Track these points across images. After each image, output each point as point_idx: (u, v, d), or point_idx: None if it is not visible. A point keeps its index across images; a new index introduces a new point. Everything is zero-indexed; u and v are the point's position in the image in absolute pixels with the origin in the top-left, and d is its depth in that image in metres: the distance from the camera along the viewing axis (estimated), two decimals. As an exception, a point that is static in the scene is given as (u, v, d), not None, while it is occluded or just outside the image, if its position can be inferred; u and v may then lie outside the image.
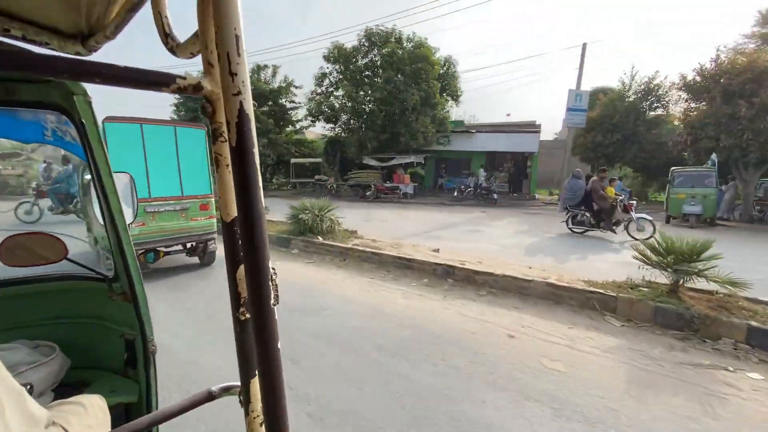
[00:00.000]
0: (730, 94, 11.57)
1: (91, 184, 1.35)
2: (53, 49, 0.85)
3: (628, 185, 23.24)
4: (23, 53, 0.50)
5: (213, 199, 6.15)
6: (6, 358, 1.20)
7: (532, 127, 20.85)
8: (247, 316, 0.57)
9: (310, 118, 21.84)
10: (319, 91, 21.84)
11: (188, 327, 3.88)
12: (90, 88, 1.21)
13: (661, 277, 4.23)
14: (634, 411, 2.54)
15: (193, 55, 0.58)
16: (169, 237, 5.68)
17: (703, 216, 11.01)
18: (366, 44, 20.42)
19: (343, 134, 22.62)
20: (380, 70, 19.93)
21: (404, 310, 4.27)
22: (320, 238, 6.99)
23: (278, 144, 22.08)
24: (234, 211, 0.55)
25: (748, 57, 11.59)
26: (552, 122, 50.96)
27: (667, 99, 18.15)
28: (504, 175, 20.71)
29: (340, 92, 21.50)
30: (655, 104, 18.67)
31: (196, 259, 6.42)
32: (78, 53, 0.89)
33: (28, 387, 1.18)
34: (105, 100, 10.63)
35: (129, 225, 1.39)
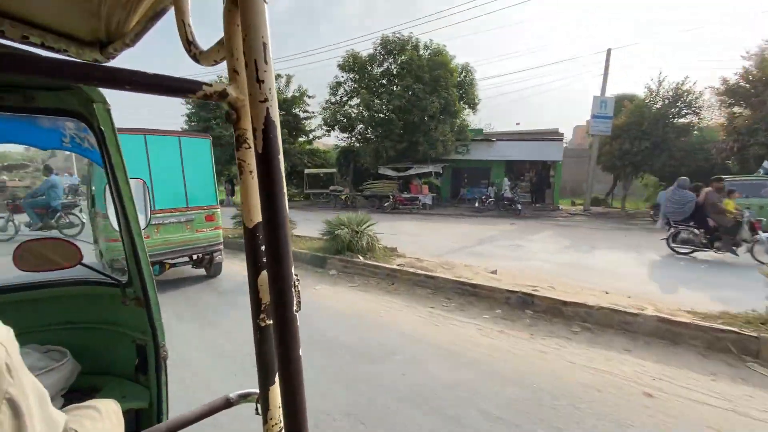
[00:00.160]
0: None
1: (107, 190, 1.35)
2: (71, 56, 0.85)
3: (649, 194, 22.43)
4: (57, 61, 0.45)
5: (218, 210, 6.05)
6: None
7: (554, 135, 20.13)
8: (268, 322, 0.57)
9: (325, 128, 21.21)
10: (333, 100, 21.30)
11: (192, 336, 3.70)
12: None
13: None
14: None
15: (217, 63, 0.57)
16: (175, 249, 5.55)
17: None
18: (382, 52, 19.92)
19: (357, 144, 22.02)
20: (397, 78, 19.38)
21: (491, 353, 3.47)
22: (361, 258, 6.22)
23: (292, 154, 21.50)
24: (257, 217, 0.54)
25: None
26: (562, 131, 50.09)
27: (698, 105, 17.39)
28: (526, 185, 19.93)
29: (355, 101, 20.98)
30: (685, 110, 17.93)
31: (202, 271, 6.31)
32: (96, 60, 0.90)
33: None
34: (114, 109, 10.00)
35: (143, 230, 1.38)
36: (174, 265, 5.76)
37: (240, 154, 0.54)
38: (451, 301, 4.84)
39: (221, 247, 6.11)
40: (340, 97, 21.30)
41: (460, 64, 20.23)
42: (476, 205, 17.77)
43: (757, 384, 3.00)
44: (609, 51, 18.81)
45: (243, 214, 0.56)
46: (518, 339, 3.78)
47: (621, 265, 7.00)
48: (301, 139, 23.47)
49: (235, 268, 6.73)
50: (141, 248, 1.31)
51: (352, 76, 20.72)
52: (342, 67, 20.50)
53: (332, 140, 25.36)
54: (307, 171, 22.43)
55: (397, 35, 19.46)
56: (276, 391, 0.59)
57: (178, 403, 1.54)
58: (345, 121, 20.52)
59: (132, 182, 1.34)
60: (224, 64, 0.55)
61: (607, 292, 5.04)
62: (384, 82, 20.38)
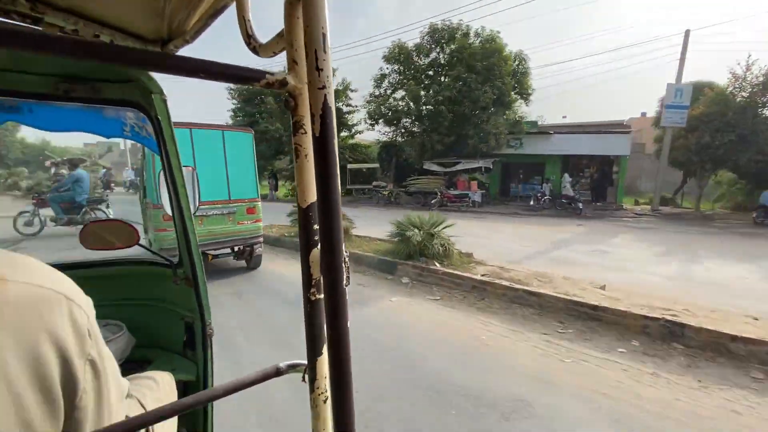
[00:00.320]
0: None
1: (162, 176, 1.43)
2: None
3: (722, 193, 20.03)
4: (139, 51, 0.50)
5: (259, 204, 6.15)
6: None
7: (620, 128, 18.40)
8: (318, 296, 0.59)
9: (369, 122, 20.49)
10: (377, 93, 20.56)
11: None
12: None
13: None
14: None
15: (275, 54, 0.59)
16: (217, 240, 5.66)
17: None
18: (429, 41, 18.94)
19: (400, 138, 21.21)
20: (446, 68, 18.35)
21: (665, 411, 2.58)
22: (438, 265, 5.44)
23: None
24: (310, 198, 0.57)
25: None
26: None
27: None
28: (586, 182, 18.36)
29: (399, 94, 20.15)
30: (779, 99, 15.68)
31: (243, 263, 6.48)
32: None
33: None
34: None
35: (193, 215, 1.42)
36: (216, 256, 5.97)
37: (297, 139, 0.56)
38: (566, 326, 3.96)
39: (261, 239, 6.23)
40: (385, 89, 20.53)
41: (513, 51, 18.91)
42: (531, 203, 16.52)
43: None
44: (687, 32, 16.88)
45: (298, 195, 0.58)
46: (686, 388, 2.86)
47: (749, 280, 5.80)
48: (343, 134, 22.96)
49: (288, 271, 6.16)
50: (191, 231, 1.35)
51: (396, 67, 19.88)
52: (387, 59, 19.70)
53: (373, 135, 24.76)
54: (350, 166, 21.89)
55: (447, 22, 18.42)
56: (323, 362, 0.60)
57: (218, 378, 1.50)
58: (390, 114, 19.75)
59: (183, 169, 1.38)
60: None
61: (756, 318, 3.98)
62: (431, 73, 19.42)
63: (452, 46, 17.98)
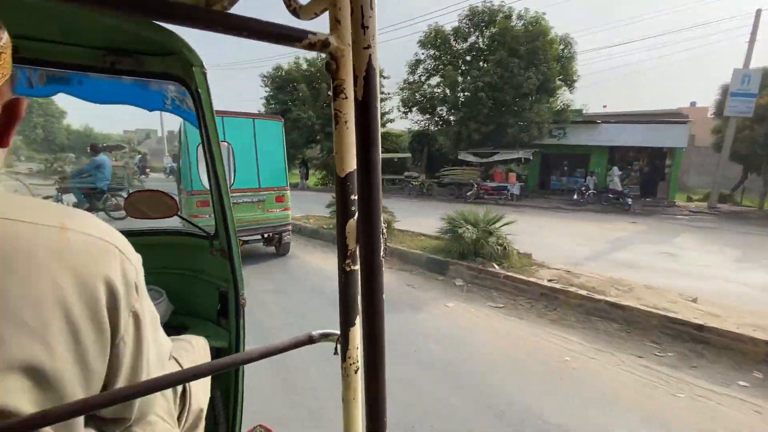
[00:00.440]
0: None
1: (199, 150, 1.84)
2: None
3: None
4: (181, 6, 0.46)
5: (288, 192, 6.22)
6: None
7: (677, 117, 16.99)
8: (353, 267, 0.58)
9: (403, 110, 19.83)
10: (411, 79, 19.83)
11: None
12: None
13: None
14: None
15: (317, 15, 0.57)
16: (247, 228, 5.69)
17: None
18: (468, 25, 17.99)
19: (433, 127, 20.48)
20: (486, 53, 17.41)
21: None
22: (496, 266, 4.92)
23: (366, 137, 20.58)
24: (349, 167, 0.55)
25: None
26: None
27: None
28: (635, 176, 17.13)
29: (434, 80, 19.36)
30: None
31: (272, 249, 6.66)
32: None
33: None
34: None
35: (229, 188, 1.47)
36: (247, 241, 6.20)
37: (336, 105, 0.54)
38: (664, 347, 3.38)
39: (290, 227, 6.40)
40: (419, 76, 19.77)
41: (558, 34, 17.69)
42: (574, 197, 15.54)
43: None
44: (758, 12, 15.21)
45: (336, 163, 0.56)
46: None
47: None
48: (374, 122, 22.41)
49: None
50: (227, 204, 1.36)
51: (432, 53, 19.05)
52: (423, 44, 18.89)
53: (403, 124, 24.11)
54: (381, 155, 21.39)
55: (487, 4, 17.40)
56: (356, 333, 0.60)
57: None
58: (424, 101, 19.02)
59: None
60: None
61: None
62: (469, 58, 18.50)
63: (493, 30, 16.99)
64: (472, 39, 18.24)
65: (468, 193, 16.31)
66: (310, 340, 0.67)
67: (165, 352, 0.67)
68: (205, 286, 1.64)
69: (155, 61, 1.26)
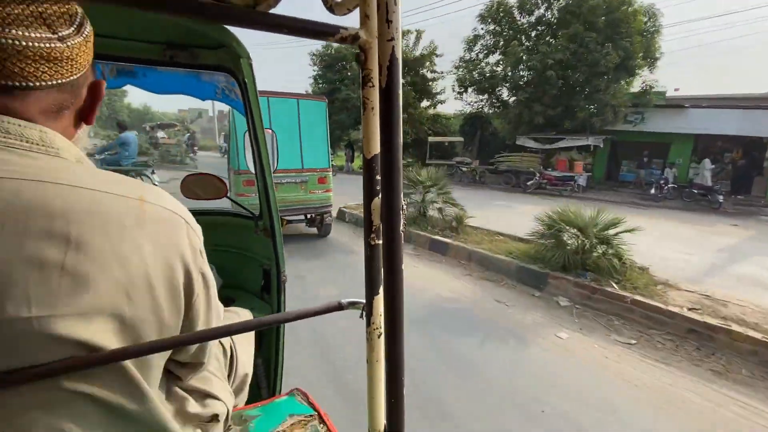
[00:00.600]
0: None
1: (246, 137, 1.61)
2: None
3: None
4: (225, 8, 0.51)
5: (330, 174, 6.26)
6: None
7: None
8: (377, 241, 0.61)
9: (458, 89, 18.46)
10: (468, 57, 18.36)
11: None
12: None
13: None
14: None
15: (349, 11, 0.60)
16: (289, 208, 5.78)
17: None
18: (537, -5, 16.19)
19: (489, 110, 19.01)
20: (556, 27, 15.63)
21: None
22: (615, 286, 3.96)
23: (417, 121, 19.43)
24: (374, 149, 0.58)
25: None
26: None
27: None
28: (728, 169, 14.96)
29: (493, 58, 17.81)
30: None
31: (314, 230, 6.79)
32: None
33: None
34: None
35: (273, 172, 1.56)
36: (291, 221, 6.36)
37: (365, 92, 0.58)
38: None
39: (331, 209, 6.45)
40: (477, 53, 18.26)
41: (643, 4, 15.49)
42: (651, 191, 13.79)
43: None
44: None
45: (363, 146, 0.59)
46: None
47: None
48: (424, 104, 21.19)
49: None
50: (271, 188, 1.46)
51: (492, 28, 17.44)
52: (483, 18, 17.32)
53: (454, 106, 22.68)
54: (431, 139, 20.25)
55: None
56: (379, 301, 0.64)
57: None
58: (483, 80, 17.57)
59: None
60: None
61: None
62: (534, 33, 16.76)
63: (563, 1, 15.15)
64: (539, 12, 16.46)
65: (529, 183, 14.99)
66: (340, 307, 0.74)
67: (221, 312, 0.76)
68: (249, 263, 1.77)
69: (208, 53, 1.39)
